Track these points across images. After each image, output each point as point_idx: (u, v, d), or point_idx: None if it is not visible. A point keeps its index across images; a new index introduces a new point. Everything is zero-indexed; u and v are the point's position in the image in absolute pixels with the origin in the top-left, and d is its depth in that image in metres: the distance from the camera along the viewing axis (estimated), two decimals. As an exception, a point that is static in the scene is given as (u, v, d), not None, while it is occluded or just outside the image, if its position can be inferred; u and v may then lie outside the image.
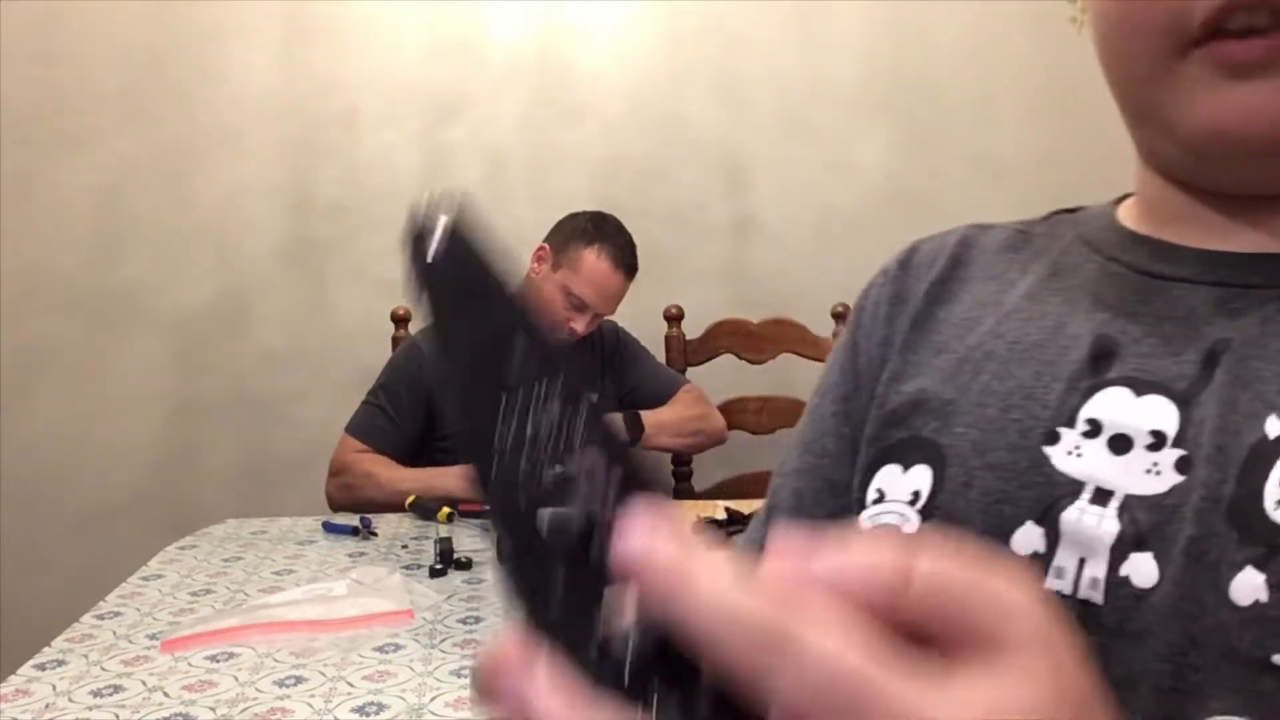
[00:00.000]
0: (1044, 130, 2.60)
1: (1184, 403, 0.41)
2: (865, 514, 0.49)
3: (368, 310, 2.43)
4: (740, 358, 2.40)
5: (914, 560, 0.21)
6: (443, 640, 1.24)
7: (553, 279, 2.01)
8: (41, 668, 1.17)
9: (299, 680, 1.13)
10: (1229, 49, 0.39)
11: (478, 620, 1.31)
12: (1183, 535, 0.38)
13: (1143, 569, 0.39)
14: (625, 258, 2.04)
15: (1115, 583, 0.39)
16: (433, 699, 1.07)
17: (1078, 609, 0.40)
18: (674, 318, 2.38)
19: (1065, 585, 0.41)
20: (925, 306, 0.52)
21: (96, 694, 1.10)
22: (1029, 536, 0.42)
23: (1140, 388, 0.42)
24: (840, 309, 2.33)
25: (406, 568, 1.52)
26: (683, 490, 2.31)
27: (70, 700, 1.08)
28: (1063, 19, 2.75)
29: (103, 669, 1.17)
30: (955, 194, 2.45)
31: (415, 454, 1.99)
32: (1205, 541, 0.38)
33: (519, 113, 2.53)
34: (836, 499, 0.52)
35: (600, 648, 0.24)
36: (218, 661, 1.18)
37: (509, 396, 0.27)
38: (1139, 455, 0.41)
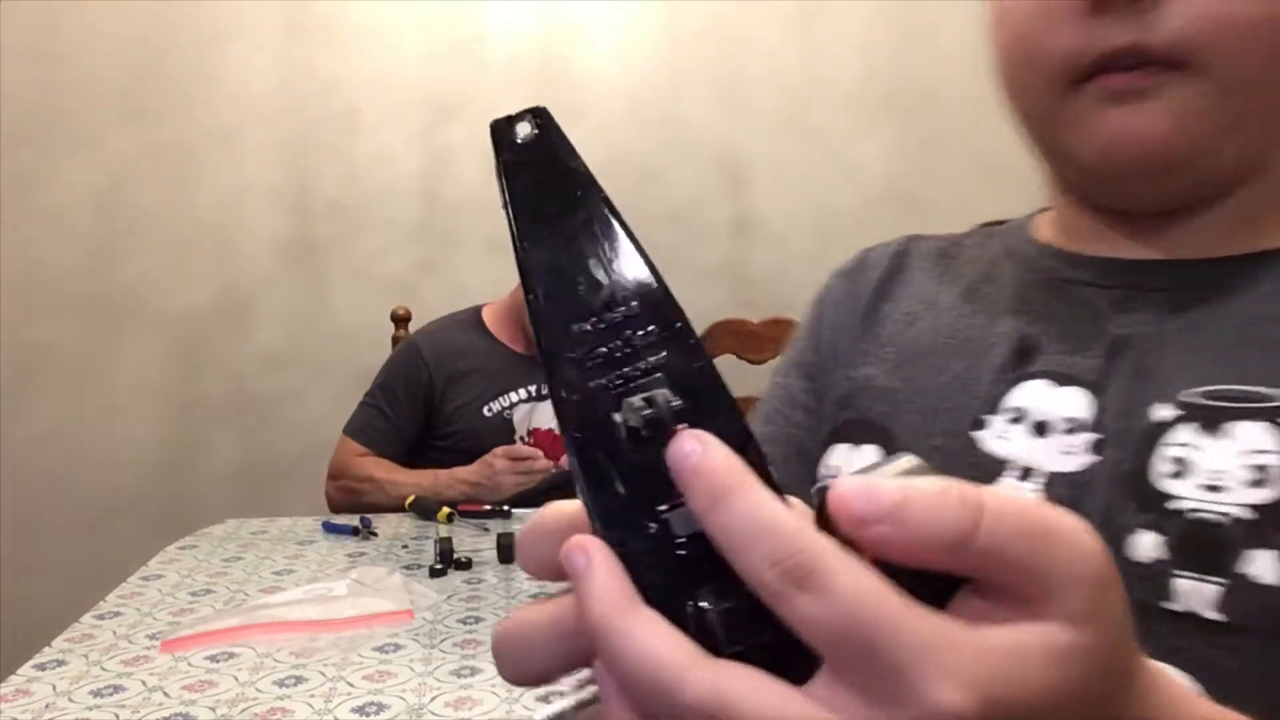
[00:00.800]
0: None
1: (1096, 392, 0.48)
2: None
3: (368, 310, 2.43)
4: (740, 358, 2.40)
5: (985, 501, 0.22)
6: (443, 640, 1.24)
7: None
8: (41, 668, 1.17)
9: (299, 680, 1.13)
10: (1112, 80, 0.45)
11: (478, 620, 1.31)
12: (1095, 505, 0.45)
13: None
14: None
15: None
16: (433, 699, 1.07)
17: None
18: (674, 318, 2.38)
19: None
20: (873, 302, 0.59)
21: (96, 694, 1.10)
22: None
23: (1059, 380, 0.49)
24: (840, 309, 2.33)
25: (406, 568, 1.52)
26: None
27: (70, 700, 1.08)
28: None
29: (103, 669, 1.17)
30: (955, 194, 2.44)
31: (414, 453, 1.99)
32: (1111, 510, 0.45)
33: (519, 113, 2.53)
34: (805, 466, 0.57)
35: (653, 539, 0.25)
36: (218, 661, 1.18)
37: (601, 292, 0.28)
38: (1058, 439, 0.48)
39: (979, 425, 0.50)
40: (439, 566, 1.50)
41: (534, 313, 0.27)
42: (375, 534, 1.72)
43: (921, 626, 0.21)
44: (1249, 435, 0.43)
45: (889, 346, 0.56)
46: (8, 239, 2.42)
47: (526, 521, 0.28)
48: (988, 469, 0.48)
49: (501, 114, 0.29)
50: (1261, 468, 0.42)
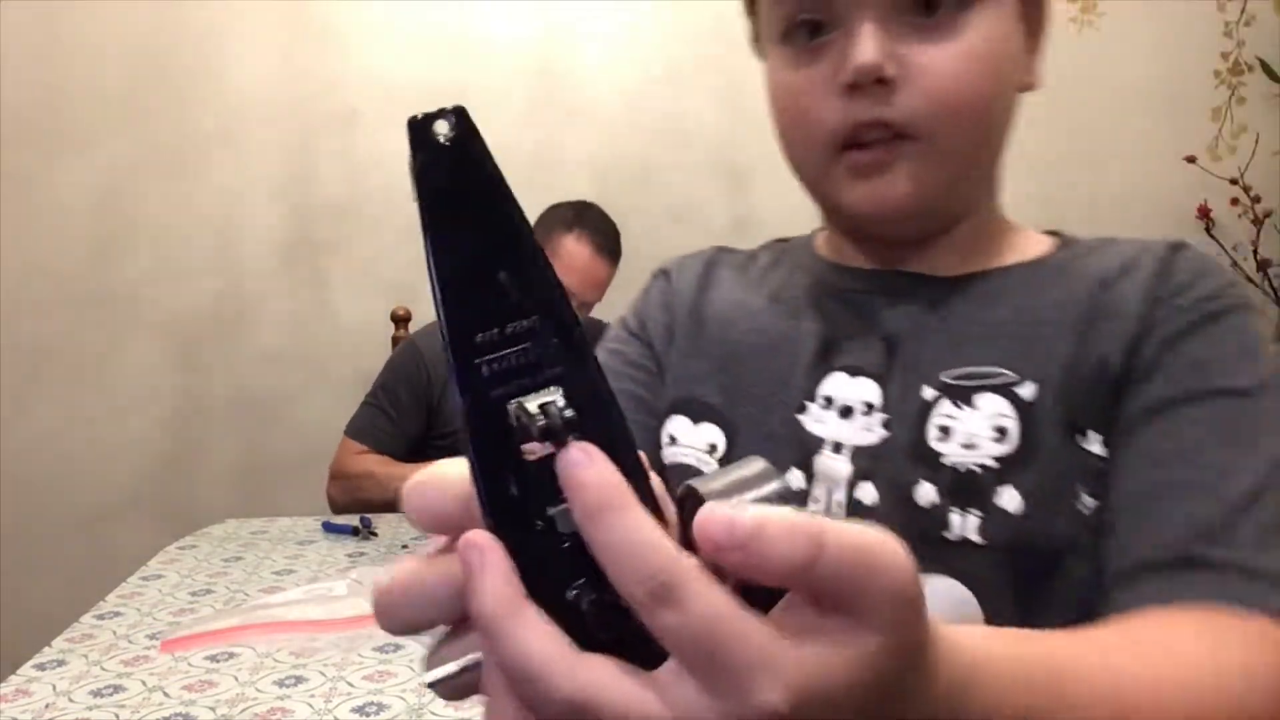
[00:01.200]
0: (1044, 130, 2.60)
1: (881, 381, 0.61)
2: (664, 451, 0.67)
3: (368, 310, 2.43)
4: (740, 358, 2.41)
5: (826, 536, 0.27)
6: (443, 640, 1.24)
7: None
8: (41, 668, 1.17)
9: (299, 680, 1.13)
10: (855, 158, 0.58)
11: (478, 620, 1.31)
12: (888, 469, 0.59)
13: (867, 494, 0.59)
14: (606, 243, 2.02)
15: (851, 504, 0.60)
16: (433, 699, 1.07)
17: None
18: (674, 318, 2.38)
19: (820, 508, 0.60)
20: (694, 303, 0.70)
21: (96, 694, 1.10)
22: (794, 478, 0.62)
23: (853, 372, 0.62)
24: (840, 309, 2.33)
25: (406, 568, 1.52)
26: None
27: (70, 700, 1.08)
28: (1063, 19, 2.75)
29: (103, 669, 1.17)
30: (955, 194, 2.44)
31: (416, 453, 1.99)
32: (900, 470, 0.58)
33: (519, 113, 2.53)
34: (649, 416, 0.67)
35: (539, 536, 0.28)
36: (218, 661, 1.18)
37: (507, 302, 0.29)
38: (858, 419, 0.61)
39: (801, 410, 0.63)
40: (439, 566, 1.50)
41: (441, 316, 0.29)
42: (375, 534, 1.72)
43: (757, 639, 0.27)
44: (991, 404, 0.58)
45: (714, 343, 0.67)
46: (8, 239, 2.42)
47: (415, 476, 0.31)
48: (810, 446, 0.61)
49: (421, 111, 0.30)
50: (1001, 428, 0.57)
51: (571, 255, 1.98)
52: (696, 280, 0.71)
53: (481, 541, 0.28)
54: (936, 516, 0.57)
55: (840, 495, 0.60)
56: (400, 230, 2.50)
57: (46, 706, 1.07)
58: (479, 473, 0.28)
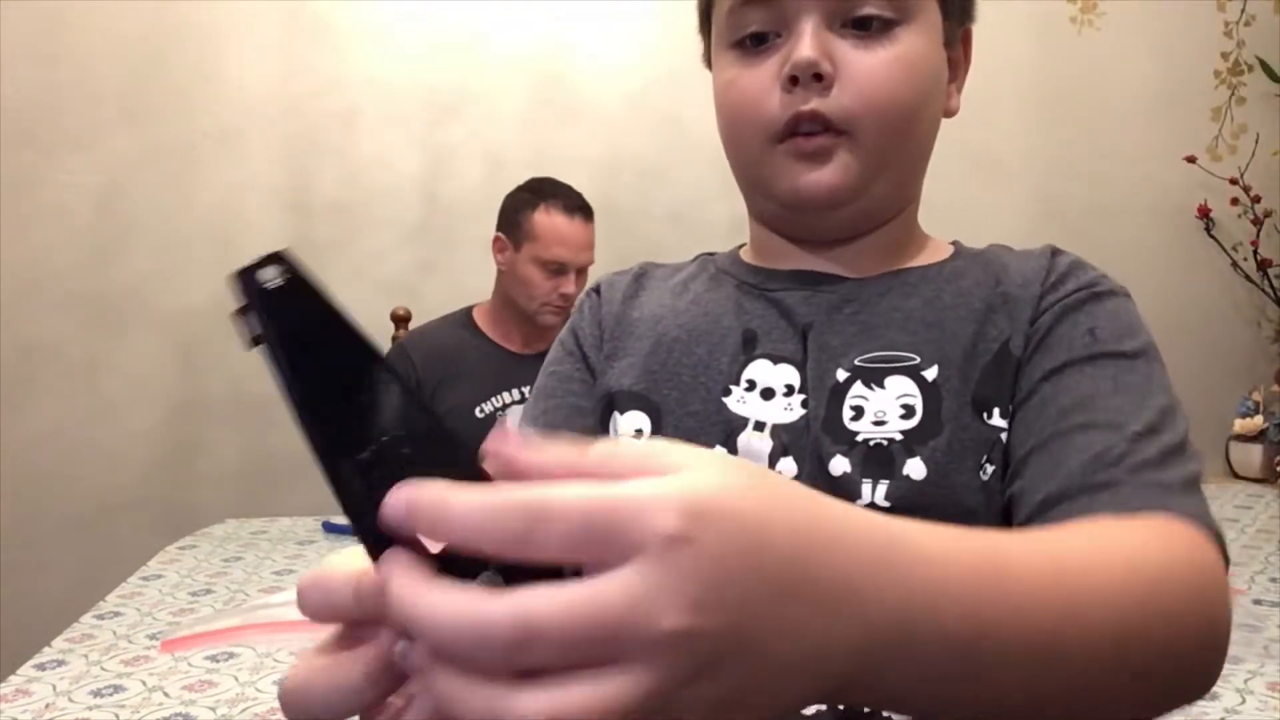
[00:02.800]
0: (1044, 130, 2.60)
1: (799, 367, 0.67)
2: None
3: (368, 310, 2.42)
4: (740, 358, 2.40)
5: (548, 508, 0.29)
6: (443, 640, 1.24)
7: (521, 260, 1.99)
8: (41, 668, 1.17)
9: (299, 680, 1.13)
10: (799, 144, 0.65)
11: (478, 620, 1.31)
12: (807, 443, 0.65)
13: (787, 467, 0.65)
14: (574, 203, 2.00)
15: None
16: (433, 699, 1.07)
17: None
18: (674, 318, 2.38)
19: None
20: (622, 311, 0.76)
21: (96, 694, 1.10)
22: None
23: (774, 359, 0.68)
24: (840, 309, 2.33)
25: (406, 568, 1.52)
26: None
27: (70, 700, 1.08)
28: (1063, 19, 2.75)
29: (103, 669, 1.17)
30: (955, 194, 2.44)
31: None
32: (818, 445, 0.64)
33: (519, 113, 2.53)
34: (583, 419, 0.73)
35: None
36: (218, 661, 1.18)
37: (365, 427, 0.32)
38: (780, 400, 0.67)
39: (726, 393, 0.68)
40: (439, 566, 1.50)
41: (308, 444, 0.32)
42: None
43: (637, 488, 0.29)
44: (898, 385, 0.64)
45: (640, 340, 0.73)
46: (8, 239, 2.42)
47: (304, 577, 0.34)
48: (734, 425, 0.67)
49: (243, 263, 0.34)
50: (908, 405, 0.64)
51: (548, 228, 1.97)
52: (624, 290, 0.78)
53: (387, 562, 0.31)
54: (849, 485, 0.62)
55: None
56: (400, 230, 2.50)
57: (46, 706, 1.07)
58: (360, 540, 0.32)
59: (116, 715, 1.05)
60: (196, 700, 1.08)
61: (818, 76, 0.63)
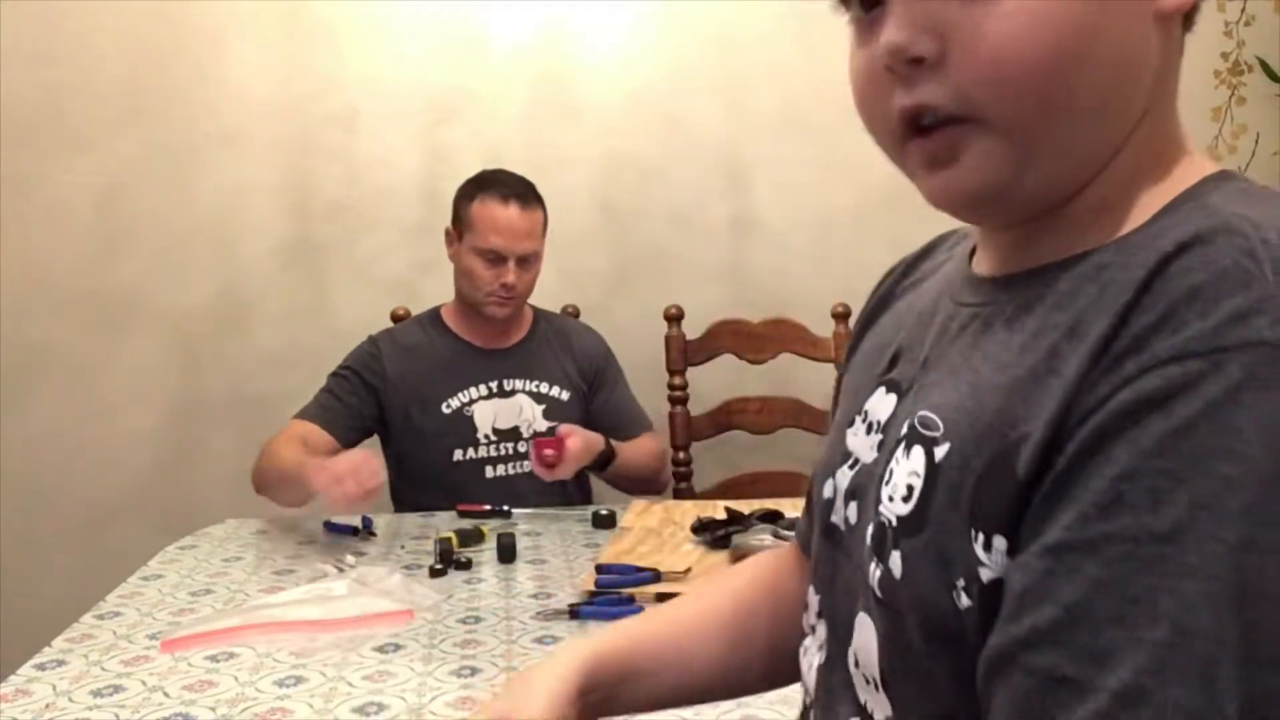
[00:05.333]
0: (1044, 130, 2.60)
1: (900, 400, 0.57)
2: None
3: (368, 310, 2.42)
4: (740, 358, 2.40)
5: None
6: (443, 640, 1.24)
7: (464, 251, 1.97)
8: (41, 668, 1.17)
9: (299, 680, 1.13)
10: (916, 147, 0.51)
11: (478, 620, 1.31)
12: (865, 495, 0.57)
13: (852, 513, 0.59)
14: (512, 191, 1.95)
15: (843, 520, 0.60)
16: (433, 699, 1.07)
17: (834, 531, 0.61)
18: (674, 318, 2.38)
19: (839, 519, 0.60)
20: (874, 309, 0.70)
21: (96, 694, 1.10)
22: (827, 487, 0.63)
23: (890, 387, 0.59)
24: (840, 309, 2.33)
25: (406, 568, 1.52)
26: (682, 490, 2.31)
27: (70, 700, 1.09)
28: (1063, 19, 2.75)
29: (103, 669, 1.17)
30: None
31: (396, 460, 1.98)
32: (866, 502, 0.56)
33: (519, 113, 2.53)
34: None
35: None
36: (218, 661, 1.18)
37: None
38: (873, 435, 0.58)
39: (851, 423, 0.62)
40: (439, 566, 1.50)
41: None
42: (375, 534, 1.72)
43: None
44: (915, 459, 0.51)
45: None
46: (8, 239, 2.42)
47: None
48: (845, 457, 0.61)
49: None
50: (910, 487, 0.51)
51: (483, 220, 1.93)
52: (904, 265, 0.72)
53: None
54: (868, 562, 0.54)
55: (843, 512, 0.60)
56: (400, 230, 2.50)
57: (46, 706, 1.07)
58: None
59: (116, 715, 1.05)
60: (196, 700, 1.08)
61: (918, 59, 0.48)
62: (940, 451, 0.49)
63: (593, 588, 1.38)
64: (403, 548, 1.64)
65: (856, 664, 0.56)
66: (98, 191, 2.45)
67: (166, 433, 2.50)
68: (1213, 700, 0.36)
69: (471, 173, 2.09)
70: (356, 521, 1.73)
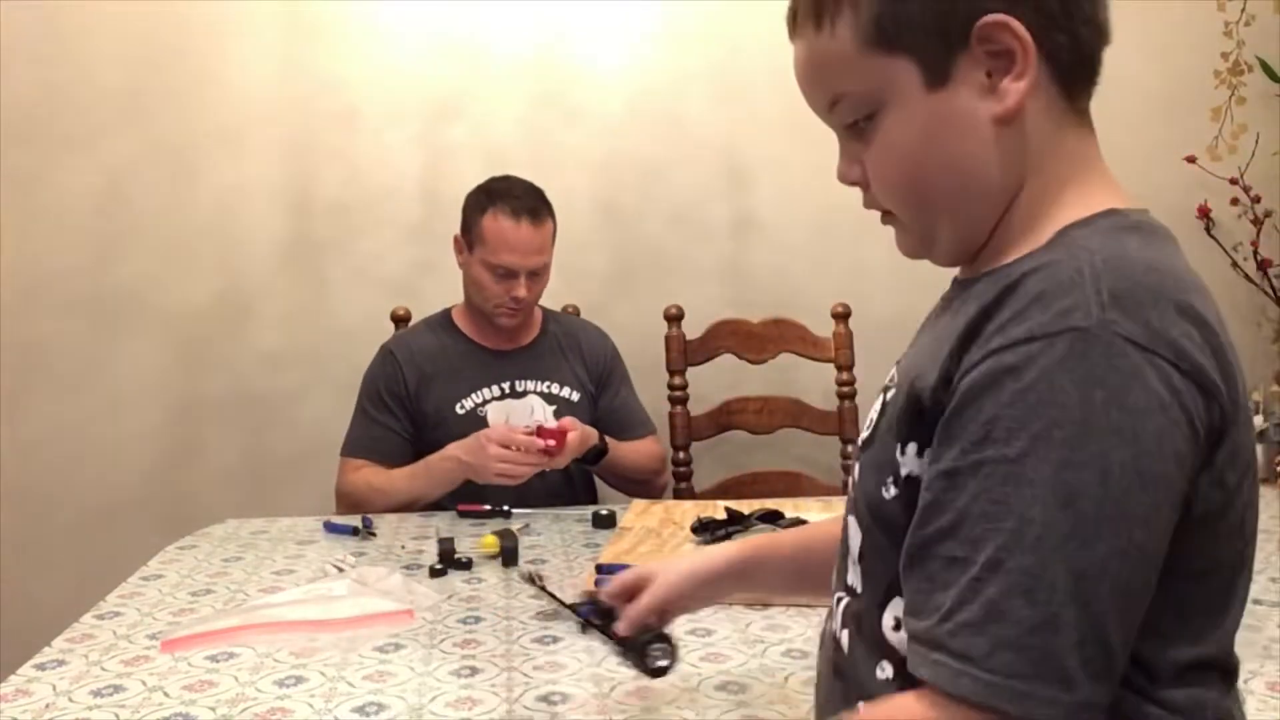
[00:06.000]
0: (1044, 130, 2.59)
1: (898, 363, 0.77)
2: None
3: (368, 310, 2.42)
4: (740, 357, 2.40)
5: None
6: (443, 640, 1.24)
7: (473, 262, 1.98)
8: (41, 668, 1.17)
9: (299, 680, 1.13)
10: (885, 217, 0.76)
11: (478, 620, 1.31)
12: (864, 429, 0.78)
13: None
14: (523, 206, 1.94)
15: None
16: (433, 699, 1.07)
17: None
18: (674, 318, 2.38)
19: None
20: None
21: (96, 694, 1.10)
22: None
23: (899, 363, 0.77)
24: (840, 309, 2.33)
25: (406, 568, 1.52)
26: (682, 490, 2.31)
27: (70, 700, 1.08)
28: (1063, 19, 2.75)
29: (103, 669, 1.17)
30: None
31: (416, 454, 1.98)
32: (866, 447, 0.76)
33: (519, 113, 2.53)
34: None
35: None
36: (218, 661, 1.18)
37: None
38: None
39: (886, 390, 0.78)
40: (439, 566, 1.50)
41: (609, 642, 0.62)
42: (375, 534, 1.72)
43: None
44: (879, 402, 0.75)
45: None
46: (8, 239, 2.42)
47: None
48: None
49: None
50: (871, 419, 0.74)
51: (494, 236, 1.93)
52: None
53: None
54: (854, 475, 0.77)
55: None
56: (400, 230, 2.50)
57: (46, 706, 1.07)
58: None
59: (116, 715, 1.05)
60: (196, 700, 1.08)
61: (855, 182, 0.74)
62: (888, 395, 0.72)
63: (593, 588, 1.38)
64: (403, 548, 1.64)
65: (848, 553, 0.76)
66: (98, 191, 2.45)
67: (167, 433, 2.50)
68: (1045, 565, 0.56)
69: (472, 173, 2.09)
70: (356, 521, 1.73)
